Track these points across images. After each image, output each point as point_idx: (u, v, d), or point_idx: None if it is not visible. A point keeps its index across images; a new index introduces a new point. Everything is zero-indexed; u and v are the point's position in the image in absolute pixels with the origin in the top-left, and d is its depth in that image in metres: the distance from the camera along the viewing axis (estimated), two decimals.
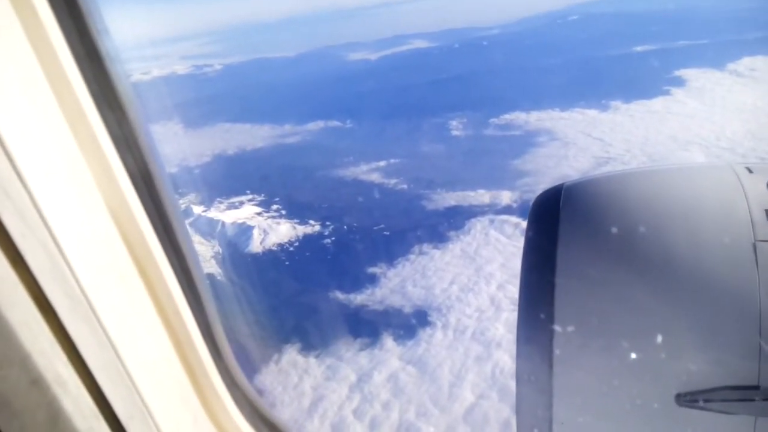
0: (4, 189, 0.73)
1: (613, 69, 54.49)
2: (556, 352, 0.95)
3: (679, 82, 47.26)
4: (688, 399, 0.90)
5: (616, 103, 43.41)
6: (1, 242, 0.69)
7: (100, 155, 1.01)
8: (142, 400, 1.03)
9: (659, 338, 0.89)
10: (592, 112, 42.47)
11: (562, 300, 0.94)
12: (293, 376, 19.57)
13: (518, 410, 1.06)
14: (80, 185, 1.00)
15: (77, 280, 0.88)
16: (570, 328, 0.94)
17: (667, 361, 0.91)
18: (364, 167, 37.62)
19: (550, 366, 0.95)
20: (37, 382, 0.71)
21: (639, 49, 62.06)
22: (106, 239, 1.05)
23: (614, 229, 0.94)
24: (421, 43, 77.76)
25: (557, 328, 0.94)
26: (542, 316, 0.95)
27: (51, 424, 0.74)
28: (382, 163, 37.92)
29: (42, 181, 0.85)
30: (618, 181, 1.07)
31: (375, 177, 36.16)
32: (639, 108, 42.47)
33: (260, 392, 18.70)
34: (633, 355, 0.91)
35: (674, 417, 0.92)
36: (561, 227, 0.98)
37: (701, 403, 0.90)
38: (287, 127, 47.83)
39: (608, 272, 0.95)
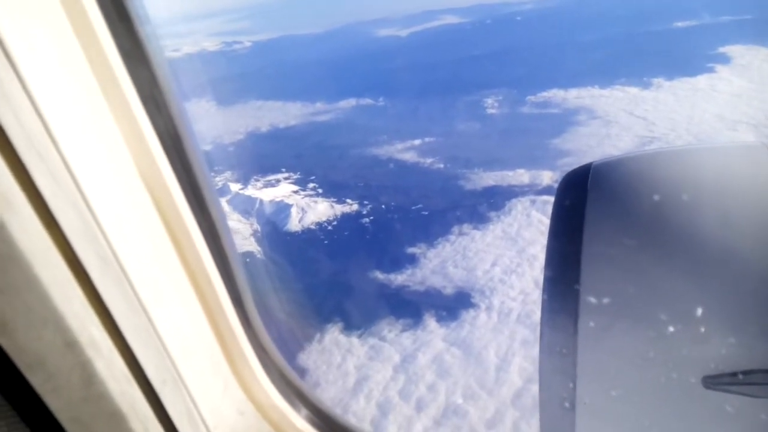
0: (38, 152, 0.72)
1: (654, 45, 52.74)
2: (581, 334, 0.94)
3: (724, 59, 45.47)
4: (715, 382, 0.88)
5: (658, 81, 41.98)
6: (35, 204, 0.69)
7: (131, 118, 1.00)
8: (174, 366, 1.03)
9: (686, 320, 0.88)
10: (634, 90, 41.13)
11: (587, 281, 0.93)
12: (336, 356, 19.53)
13: (541, 390, 1.05)
14: (112, 149, 0.99)
15: (109, 243, 0.88)
16: (595, 311, 0.93)
17: (695, 343, 0.89)
18: (398, 146, 37.14)
19: (575, 349, 0.94)
20: (71, 344, 0.72)
21: (680, 24, 59.92)
22: (137, 204, 1.05)
23: (643, 209, 0.92)
24: (451, 19, 76.05)
25: (582, 310, 0.93)
26: (567, 299, 0.94)
27: (85, 386, 0.75)
28: (417, 142, 37.38)
29: (74, 144, 0.85)
30: (648, 161, 1.05)
31: (410, 156, 35.68)
32: (682, 86, 41.01)
33: (303, 371, 18.77)
34: (659, 337, 0.90)
35: (701, 400, 0.90)
36: (588, 207, 0.96)
37: (729, 387, 0.88)
38: (319, 105, 47.44)
39: (635, 253, 0.92)
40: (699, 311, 0.88)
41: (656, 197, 0.92)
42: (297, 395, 1.40)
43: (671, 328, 0.89)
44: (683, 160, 1.03)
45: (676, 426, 0.96)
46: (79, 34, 0.92)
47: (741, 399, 0.89)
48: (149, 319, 0.98)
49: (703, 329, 0.88)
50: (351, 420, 17.27)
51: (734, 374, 0.87)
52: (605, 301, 0.93)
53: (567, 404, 0.98)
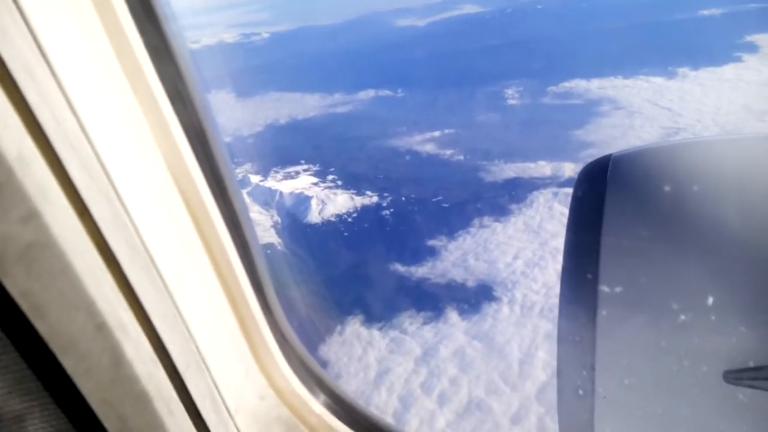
0: (70, 143, 0.76)
1: (678, 34, 51.69)
2: (599, 323, 0.94)
3: (752, 48, 44.40)
4: (736, 376, 0.87)
5: (683, 70, 41.10)
6: (69, 194, 0.73)
7: (158, 112, 1.03)
8: (198, 350, 1.07)
9: (706, 314, 0.87)
10: (658, 80, 40.32)
11: (606, 275, 0.92)
12: (357, 348, 19.51)
13: (559, 378, 1.03)
14: (139, 140, 1.02)
15: (137, 231, 0.92)
16: (612, 301, 0.93)
17: (715, 338, 0.88)
18: (418, 137, 36.89)
19: (593, 345, 0.94)
20: (101, 327, 0.75)
21: (705, 12, 58.63)
22: (163, 193, 1.08)
23: (663, 201, 0.90)
24: (471, 8, 75.15)
25: (599, 300, 0.93)
26: (584, 290, 0.94)
27: (114, 368, 0.78)
28: (437, 134, 37.09)
29: (105, 138, 0.89)
30: (668, 152, 1.01)
31: (430, 147, 35.41)
32: (708, 76, 40.12)
33: (324, 363, 18.79)
34: (678, 332, 0.89)
35: (715, 390, 0.89)
36: (608, 199, 0.94)
37: (750, 382, 0.86)
38: (337, 96, 47.29)
39: (655, 246, 0.91)
40: (718, 306, 0.87)
41: (676, 189, 0.90)
42: (316, 382, 1.42)
43: (690, 324, 0.89)
44: (705, 151, 1.00)
45: (689, 415, 0.95)
46: (108, 31, 0.96)
47: (763, 395, 0.87)
48: (175, 305, 1.01)
49: (723, 324, 0.87)
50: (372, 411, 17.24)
51: (756, 369, 0.86)
52: (623, 291, 0.92)
53: (583, 392, 0.98)
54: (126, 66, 0.99)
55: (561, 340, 1.01)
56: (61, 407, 0.80)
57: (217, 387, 1.15)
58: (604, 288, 0.92)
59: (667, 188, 0.90)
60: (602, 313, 0.93)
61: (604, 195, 0.94)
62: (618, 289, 0.92)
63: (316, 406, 1.38)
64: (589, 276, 0.94)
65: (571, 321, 1.00)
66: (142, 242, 0.93)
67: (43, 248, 0.68)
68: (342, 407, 1.40)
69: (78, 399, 0.78)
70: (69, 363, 0.74)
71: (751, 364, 0.86)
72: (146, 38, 1.01)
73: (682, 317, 0.89)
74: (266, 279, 1.34)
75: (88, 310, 0.73)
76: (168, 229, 1.07)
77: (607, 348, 0.95)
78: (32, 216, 0.66)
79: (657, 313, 0.92)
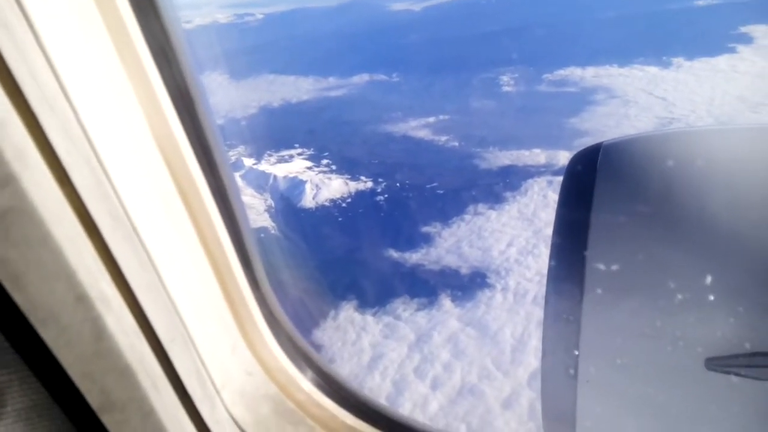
0: (50, 106, 0.73)
1: (673, 24, 51.67)
2: (584, 315, 0.94)
3: (746, 39, 44.51)
4: (718, 364, 0.88)
5: (678, 60, 41.18)
6: (48, 159, 0.69)
7: (142, 74, 0.99)
8: (183, 324, 1.04)
9: (691, 301, 0.88)
10: (653, 69, 40.38)
11: (593, 264, 0.94)
12: (351, 333, 19.59)
13: (544, 357, 1.04)
14: (123, 105, 0.99)
15: (120, 201, 0.89)
16: (600, 291, 0.93)
17: (698, 325, 0.90)
18: (412, 123, 36.77)
19: (578, 331, 0.95)
20: (82, 298, 0.73)
21: (700, 3, 58.67)
22: (148, 162, 1.04)
23: (653, 189, 0.92)
24: None
25: (586, 292, 0.94)
26: (572, 282, 0.95)
27: (95, 340, 0.76)
28: (432, 119, 36.99)
29: (87, 100, 0.85)
30: (659, 141, 1.03)
31: (424, 133, 35.33)
32: (703, 66, 40.21)
33: (318, 347, 18.83)
34: (663, 318, 0.91)
35: (703, 381, 0.91)
36: (597, 188, 0.95)
37: (732, 369, 0.88)
38: (332, 80, 46.94)
39: (643, 235, 0.93)
40: (703, 293, 0.88)
41: (665, 177, 0.91)
42: (303, 359, 1.40)
43: (675, 311, 0.89)
44: (696, 141, 1.01)
45: (674, 398, 0.96)
46: None
47: (745, 381, 0.88)
48: (159, 277, 0.98)
49: (707, 311, 0.88)
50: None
51: (738, 356, 0.87)
52: (613, 268, 0.93)
53: (570, 371, 0.98)
54: (110, 24, 0.94)
55: (548, 317, 1.02)
56: (41, 380, 0.78)
57: (203, 362, 1.12)
58: (592, 266, 0.93)
59: (656, 176, 0.92)
60: (591, 291, 0.94)
61: (594, 182, 0.95)
62: (607, 267, 0.93)
63: (304, 383, 1.36)
64: (579, 253, 0.95)
65: (558, 298, 1.01)
66: (126, 212, 0.91)
67: (21, 214, 0.65)
68: (330, 385, 1.39)
69: (59, 372, 0.76)
70: (49, 335, 0.72)
71: (737, 351, 0.87)
72: (136, 5, 0.97)
73: (672, 299, 0.89)
74: (254, 254, 1.31)
75: (68, 281, 0.71)
76: (153, 200, 1.04)
77: (594, 326, 0.96)
78: (9, 180, 0.63)
79: (642, 296, 0.93)
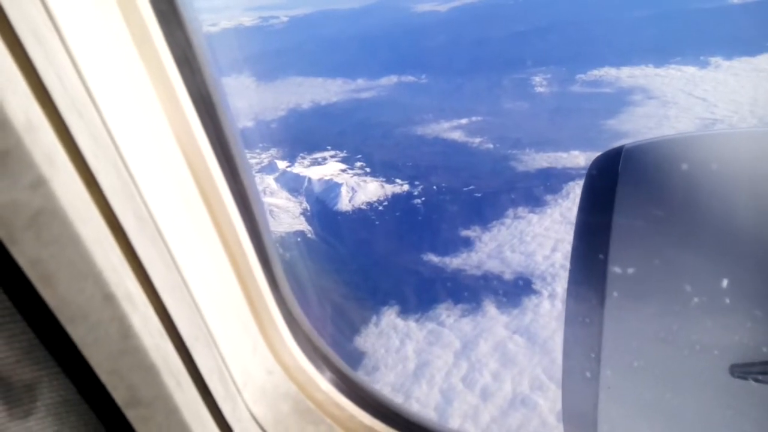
0: (78, 110, 0.75)
1: (710, 23, 50.49)
2: (606, 320, 0.94)
3: None
4: (743, 370, 0.88)
5: (716, 60, 40.16)
6: (76, 161, 0.72)
7: (165, 81, 1.02)
8: (205, 324, 1.06)
9: (709, 306, 0.88)
10: (691, 69, 39.44)
11: (614, 268, 0.93)
12: (394, 340, 19.17)
13: (565, 359, 1.04)
14: (147, 109, 1.02)
15: (145, 202, 0.92)
16: (620, 295, 0.94)
17: (723, 331, 0.89)
18: (445, 125, 36.28)
19: (599, 337, 0.96)
20: (109, 298, 0.75)
21: (736, 1, 57.31)
22: (171, 164, 1.06)
23: (674, 195, 0.91)
24: None
25: (607, 296, 0.94)
26: (593, 286, 0.95)
27: (122, 339, 0.78)
28: (464, 121, 36.47)
29: (112, 104, 0.88)
30: (682, 145, 1.00)
31: (458, 135, 34.82)
32: (743, 65, 39.16)
33: (361, 355, 18.41)
34: (686, 324, 0.90)
35: (728, 388, 0.90)
36: (619, 191, 0.94)
37: (757, 376, 0.87)
38: (360, 82, 46.68)
39: (665, 239, 0.92)
40: (727, 299, 0.86)
41: (688, 180, 0.89)
42: (322, 359, 1.42)
43: (698, 317, 0.88)
44: (720, 144, 0.97)
45: (695, 403, 0.95)
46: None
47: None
48: (182, 278, 1.00)
49: (731, 318, 0.86)
50: (414, 406, 16.94)
51: (763, 363, 0.85)
52: (633, 272, 0.91)
53: (590, 375, 0.97)
54: (134, 32, 0.96)
55: (568, 320, 1.00)
56: (69, 377, 0.80)
57: (224, 361, 1.14)
58: (613, 269, 0.92)
59: (677, 180, 0.90)
60: (610, 293, 0.93)
61: (615, 185, 0.93)
62: (627, 272, 0.91)
63: (323, 383, 1.39)
64: (599, 257, 0.93)
65: (579, 302, 0.99)
66: (150, 213, 0.92)
67: (51, 216, 0.67)
68: (348, 385, 1.40)
69: (86, 369, 0.78)
70: (77, 333, 0.74)
71: (754, 355, 0.85)
72: (154, 3, 0.98)
73: (692, 303, 0.87)
74: (274, 255, 1.32)
75: (96, 280, 0.73)
76: (176, 201, 1.05)
77: (614, 329, 0.95)
78: (41, 183, 0.65)
79: (663, 300, 0.91)
